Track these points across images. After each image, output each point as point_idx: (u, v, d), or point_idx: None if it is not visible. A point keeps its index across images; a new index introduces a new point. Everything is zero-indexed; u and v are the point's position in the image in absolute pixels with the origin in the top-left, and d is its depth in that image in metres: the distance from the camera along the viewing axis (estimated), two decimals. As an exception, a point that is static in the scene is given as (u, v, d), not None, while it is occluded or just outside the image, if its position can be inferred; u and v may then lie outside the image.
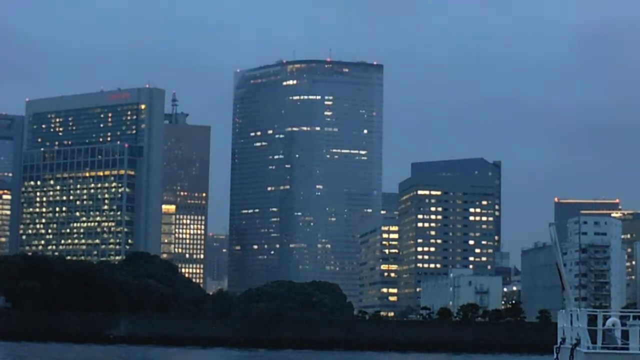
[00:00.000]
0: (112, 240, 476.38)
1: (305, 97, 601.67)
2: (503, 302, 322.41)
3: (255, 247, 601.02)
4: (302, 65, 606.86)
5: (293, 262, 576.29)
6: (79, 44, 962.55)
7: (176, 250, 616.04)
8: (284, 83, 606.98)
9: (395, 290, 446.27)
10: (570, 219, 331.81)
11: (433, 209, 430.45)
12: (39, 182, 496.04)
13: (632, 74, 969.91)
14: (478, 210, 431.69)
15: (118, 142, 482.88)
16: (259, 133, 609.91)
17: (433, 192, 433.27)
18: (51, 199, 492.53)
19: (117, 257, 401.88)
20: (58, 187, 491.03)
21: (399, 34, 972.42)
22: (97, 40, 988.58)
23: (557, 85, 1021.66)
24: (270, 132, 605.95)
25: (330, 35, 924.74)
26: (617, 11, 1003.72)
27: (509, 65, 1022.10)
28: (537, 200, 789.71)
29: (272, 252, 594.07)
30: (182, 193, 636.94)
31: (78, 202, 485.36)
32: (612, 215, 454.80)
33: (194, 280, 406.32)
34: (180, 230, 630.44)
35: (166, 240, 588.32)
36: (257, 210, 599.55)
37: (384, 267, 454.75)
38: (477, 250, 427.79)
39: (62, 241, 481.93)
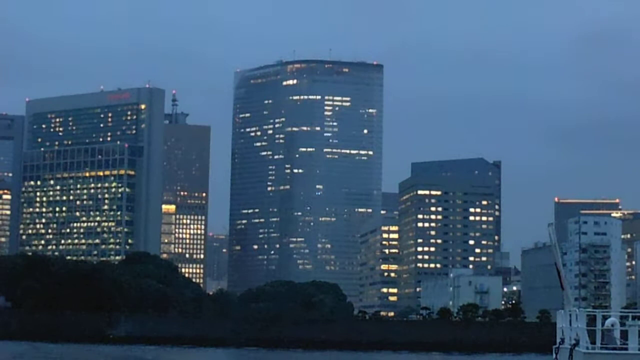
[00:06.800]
0: (112, 240, 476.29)
1: (305, 97, 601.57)
2: (503, 302, 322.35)
3: (255, 247, 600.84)
4: (302, 65, 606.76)
5: (293, 262, 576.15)
6: (79, 43, 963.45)
7: (176, 250, 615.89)
8: (284, 83, 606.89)
9: (395, 290, 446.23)
10: (570, 219, 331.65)
11: (433, 209, 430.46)
12: (39, 182, 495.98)
13: (633, 73, 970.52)
14: (478, 210, 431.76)
15: (118, 142, 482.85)
16: (259, 133, 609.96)
17: (433, 192, 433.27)
18: (51, 199, 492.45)
19: (117, 257, 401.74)
20: (58, 187, 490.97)
21: (399, 34, 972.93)
22: (97, 40, 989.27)
23: (557, 84, 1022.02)
24: (270, 132, 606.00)
25: (330, 35, 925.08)
26: (617, 10, 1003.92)
27: (510, 65, 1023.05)
28: (537, 200, 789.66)
29: (272, 252, 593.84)
30: (182, 193, 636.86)
31: (78, 202, 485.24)
32: (612, 215, 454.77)
33: (194, 280, 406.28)
34: (180, 230, 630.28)
35: (166, 240, 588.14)
36: (257, 210, 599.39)
37: (384, 267, 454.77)
38: (477, 250, 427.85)
39: (62, 241, 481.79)
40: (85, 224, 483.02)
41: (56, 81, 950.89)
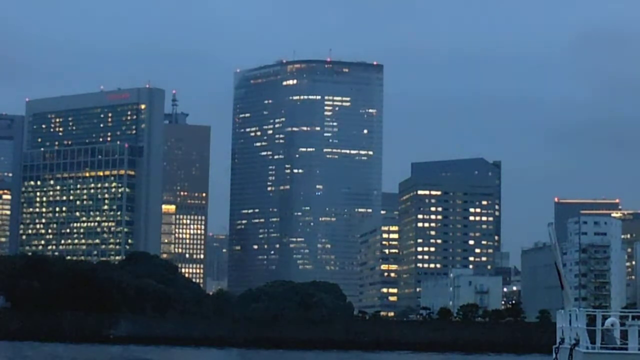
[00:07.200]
0: (112, 240, 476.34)
1: (305, 97, 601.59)
2: (503, 302, 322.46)
3: (255, 247, 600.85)
4: (302, 65, 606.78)
5: (293, 262, 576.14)
6: (79, 43, 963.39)
7: (176, 250, 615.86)
8: (284, 83, 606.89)
9: (395, 290, 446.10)
10: (570, 219, 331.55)
11: (433, 209, 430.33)
12: (39, 182, 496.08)
13: (633, 72, 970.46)
14: (478, 210, 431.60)
15: (118, 142, 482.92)
16: (259, 133, 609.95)
17: (433, 192, 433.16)
18: (51, 199, 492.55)
19: (117, 257, 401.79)
20: (58, 187, 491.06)
21: (399, 34, 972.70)
22: (97, 40, 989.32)
23: (557, 84, 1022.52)
24: (270, 132, 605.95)
25: (330, 35, 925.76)
26: (617, 8, 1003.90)
27: (510, 65, 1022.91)
28: (537, 200, 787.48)
29: (272, 252, 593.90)
30: (182, 193, 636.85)
31: (78, 202, 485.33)
32: (612, 215, 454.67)
33: (194, 280, 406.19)
34: (180, 230, 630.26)
35: (166, 240, 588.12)
36: (257, 210, 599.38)
37: (384, 267, 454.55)
38: (477, 250, 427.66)
39: (62, 241, 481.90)
40: (85, 224, 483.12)
41: (56, 81, 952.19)
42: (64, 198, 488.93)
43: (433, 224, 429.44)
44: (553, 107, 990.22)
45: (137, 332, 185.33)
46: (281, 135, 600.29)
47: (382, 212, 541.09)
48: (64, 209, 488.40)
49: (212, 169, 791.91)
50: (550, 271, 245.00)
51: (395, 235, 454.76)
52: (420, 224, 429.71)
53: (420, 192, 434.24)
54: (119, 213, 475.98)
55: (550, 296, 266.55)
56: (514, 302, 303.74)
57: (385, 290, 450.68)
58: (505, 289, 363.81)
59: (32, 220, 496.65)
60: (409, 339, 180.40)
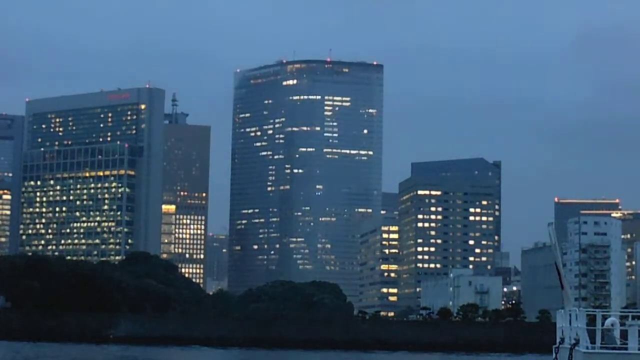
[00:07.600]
0: (112, 240, 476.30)
1: (305, 97, 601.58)
2: (503, 302, 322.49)
3: (255, 247, 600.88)
4: (302, 65, 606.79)
5: (293, 262, 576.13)
6: (79, 43, 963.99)
7: (176, 250, 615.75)
8: (284, 83, 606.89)
9: (395, 290, 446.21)
10: (570, 219, 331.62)
11: (433, 209, 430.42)
12: (39, 182, 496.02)
13: (633, 72, 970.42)
14: (478, 210, 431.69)
15: (118, 142, 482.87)
16: (259, 133, 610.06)
17: (433, 192, 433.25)
18: (51, 199, 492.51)
19: (117, 257, 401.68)
20: (58, 187, 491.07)
21: (399, 34, 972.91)
22: (97, 41, 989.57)
23: (557, 84, 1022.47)
24: (270, 132, 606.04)
25: (330, 35, 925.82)
26: (617, 8, 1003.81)
27: (510, 65, 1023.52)
28: (537, 200, 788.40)
29: (272, 252, 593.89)
30: (182, 193, 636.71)
31: (78, 202, 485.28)
32: (612, 215, 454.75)
33: (194, 280, 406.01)
34: (180, 230, 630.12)
35: (166, 240, 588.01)
36: (257, 210, 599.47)
37: (384, 267, 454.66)
38: (477, 250, 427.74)
39: (62, 241, 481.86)
40: (85, 224, 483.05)
41: (56, 81, 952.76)
42: (64, 198, 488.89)
43: (433, 224, 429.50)
44: (553, 107, 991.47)
45: (137, 332, 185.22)
46: (281, 135, 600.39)
47: (382, 212, 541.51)
48: (64, 209, 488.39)
49: (212, 169, 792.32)
50: (550, 271, 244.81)
51: (395, 235, 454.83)
52: (420, 224, 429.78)
53: (420, 192, 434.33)
54: (119, 213, 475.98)
55: (550, 296, 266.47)
56: (514, 302, 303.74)
57: (385, 290, 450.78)
58: (505, 289, 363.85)
59: (32, 220, 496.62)
60: (409, 339, 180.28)
